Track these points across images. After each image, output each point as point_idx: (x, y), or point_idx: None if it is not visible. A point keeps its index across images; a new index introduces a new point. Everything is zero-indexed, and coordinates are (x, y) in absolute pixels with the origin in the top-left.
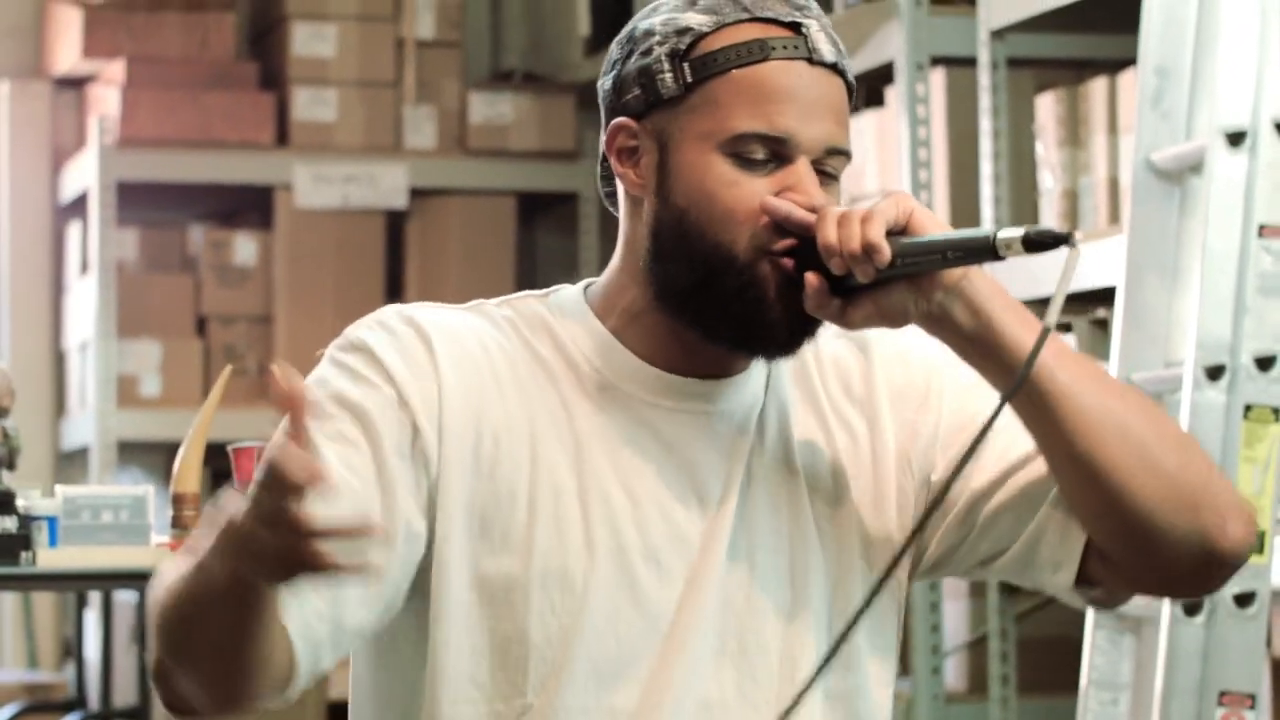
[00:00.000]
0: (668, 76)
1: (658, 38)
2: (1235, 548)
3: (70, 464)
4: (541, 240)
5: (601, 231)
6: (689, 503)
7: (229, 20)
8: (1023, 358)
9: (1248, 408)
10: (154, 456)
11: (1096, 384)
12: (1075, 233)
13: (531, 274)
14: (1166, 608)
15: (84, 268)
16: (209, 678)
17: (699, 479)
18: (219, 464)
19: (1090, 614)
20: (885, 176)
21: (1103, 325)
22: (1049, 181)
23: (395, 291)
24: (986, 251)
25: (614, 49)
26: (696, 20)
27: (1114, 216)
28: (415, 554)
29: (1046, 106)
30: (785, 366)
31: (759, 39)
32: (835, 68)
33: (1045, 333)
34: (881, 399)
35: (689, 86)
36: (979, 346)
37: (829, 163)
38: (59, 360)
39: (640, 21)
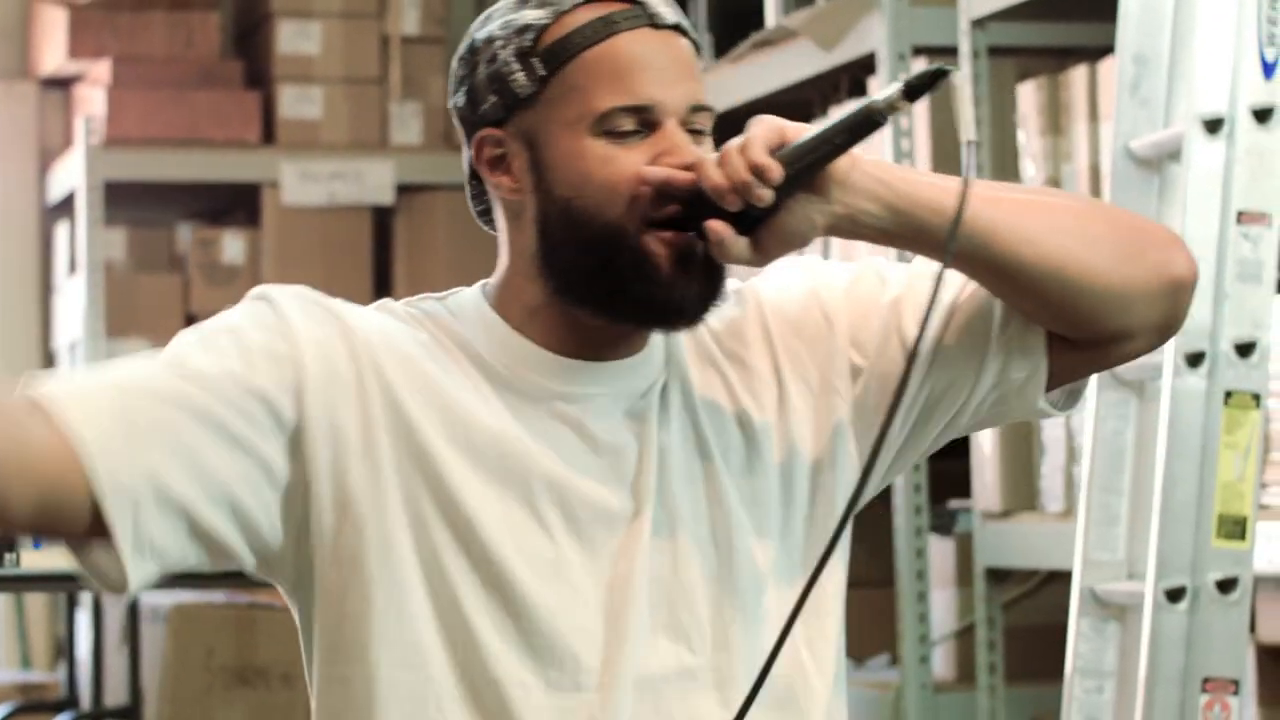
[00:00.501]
0: (520, 75)
1: (500, 42)
2: (1187, 268)
3: None
4: None
5: None
6: (609, 483)
7: (214, 19)
8: (943, 213)
9: (1228, 394)
10: None
11: (1009, 202)
12: (944, 68)
13: None
14: (1149, 593)
15: (72, 267)
16: None
17: (615, 460)
18: None
19: (1075, 602)
20: None
21: None
22: (1031, 170)
23: (384, 288)
24: (871, 120)
25: (457, 66)
26: (533, 16)
27: None
28: (267, 480)
29: (1028, 95)
30: (680, 338)
31: (600, 16)
32: (678, 28)
33: (973, 149)
34: (777, 336)
35: (543, 80)
36: (897, 224)
37: (695, 120)
38: (48, 360)
39: (476, 33)
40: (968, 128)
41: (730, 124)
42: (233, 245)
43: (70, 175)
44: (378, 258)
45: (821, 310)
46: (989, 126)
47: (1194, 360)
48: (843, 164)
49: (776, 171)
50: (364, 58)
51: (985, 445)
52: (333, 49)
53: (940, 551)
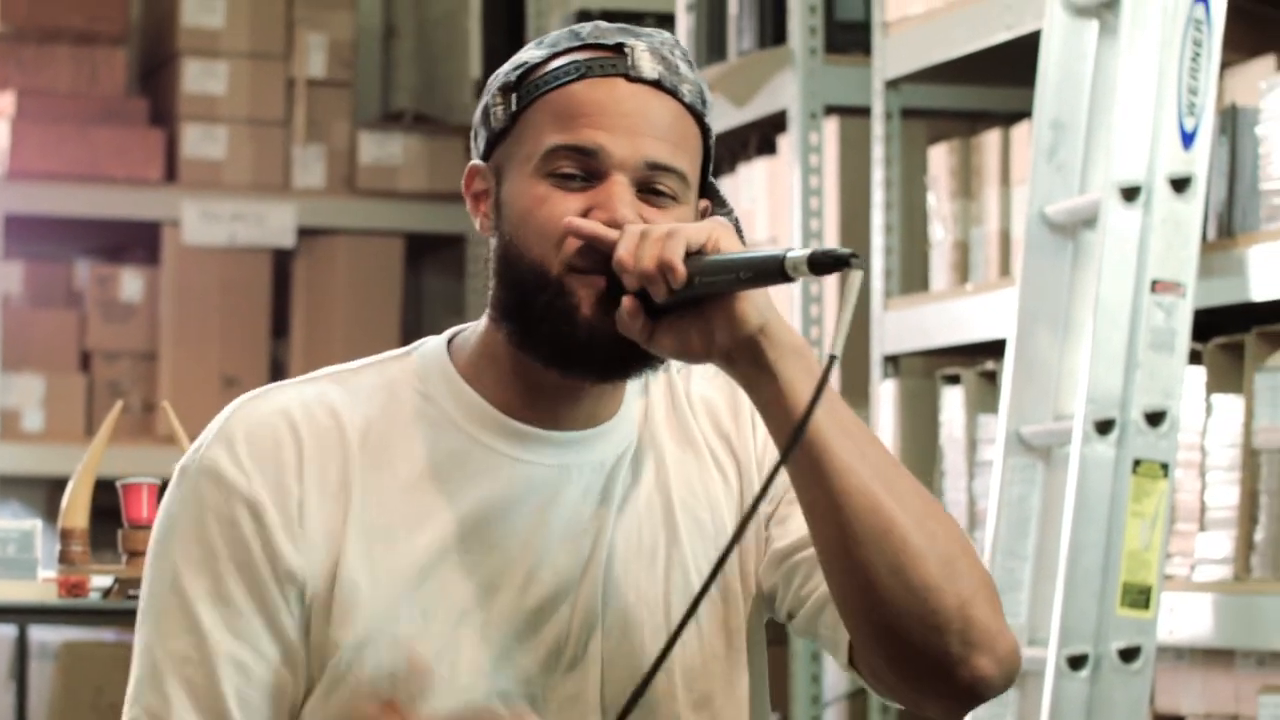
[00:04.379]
0: (499, 109)
1: (497, 79)
2: (974, 683)
3: None
4: (428, 281)
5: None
6: (557, 565)
7: (119, 55)
8: (801, 412)
9: (1137, 462)
10: (35, 491)
11: (873, 472)
12: (856, 255)
13: (418, 315)
14: (1051, 660)
15: None
16: None
17: (566, 537)
18: (105, 500)
19: None
20: (776, 225)
21: (991, 377)
22: (940, 233)
23: (281, 330)
24: (777, 272)
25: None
26: (531, 55)
27: (1005, 269)
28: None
29: (939, 158)
30: (660, 410)
31: (576, 60)
32: (660, 85)
33: (830, 364)
34: (749, 441)
35: (514, 116)
36: (763, 394)
37: (659, 181)
38: None
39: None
40: (838, 342)
41: None
42: (131, 283)
43: None
44: (276, 300)
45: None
46: (899, 188)
47: (1103, 428)
48: (752, 319)
49: (680, 275)
50: (269, 99)
51: None
52: (238, 89)
53: None
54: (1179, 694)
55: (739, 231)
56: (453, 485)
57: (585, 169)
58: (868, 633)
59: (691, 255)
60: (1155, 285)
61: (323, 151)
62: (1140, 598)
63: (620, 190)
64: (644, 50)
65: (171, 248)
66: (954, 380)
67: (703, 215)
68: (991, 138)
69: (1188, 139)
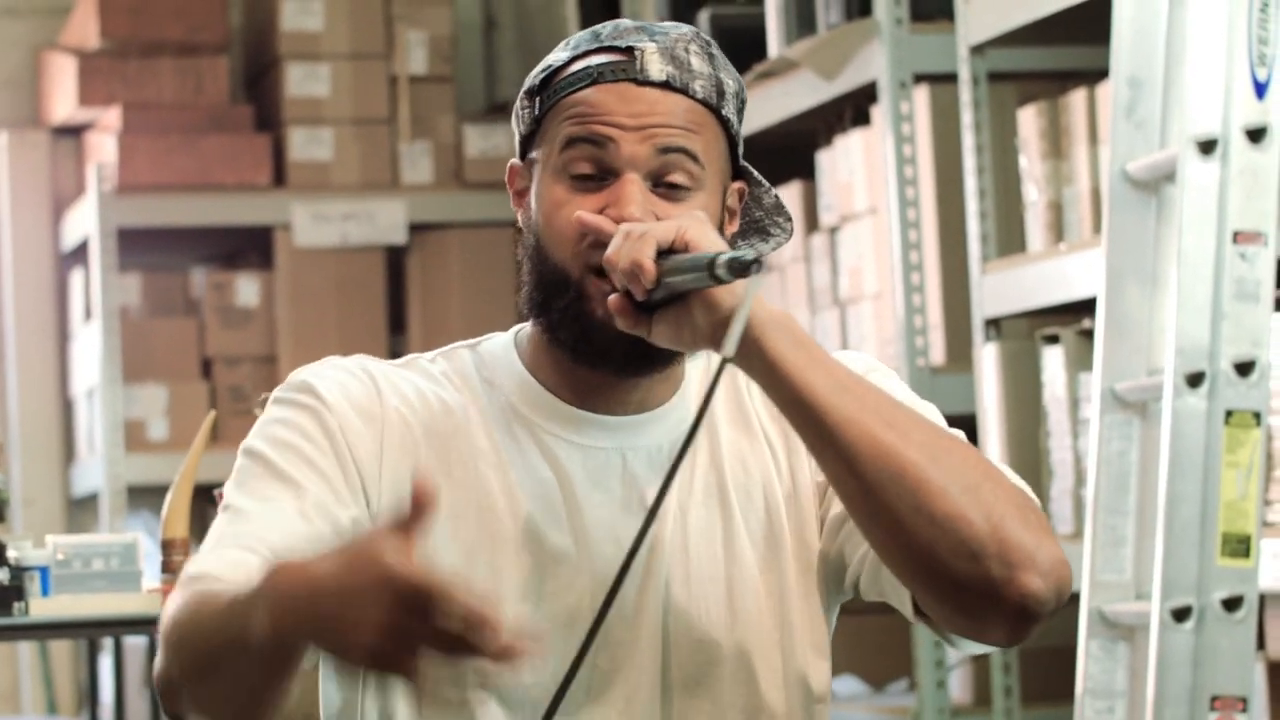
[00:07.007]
0: (525, 113)
1: (528, 81)
2: (1023, 601)
3: (81, 510)
4: None
5: None
6: (620, 546)
7: (222, 64)
8: (801, 385)
9: (1229, 413)
10: (163, 501)
11: (875, 419)
12: (759, 261)
13: None
14: (1155, 613)
15: (88, 314)
16: (225, 715)
17: (627, 519)
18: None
19: (1084, 623)
20: (874, 194)
21: (1090, 335)
22: (1033, 194)
23: (398, 327)
24: (711, 275)
25: None
26: (556, 57)
27: (1098, 227)
28: None
29: (1028, 120)
30: (719, 391)
31: (589, 65)
32: (668, 85)
33: (721, 367)
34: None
35: (538, 120)
36: (755, 371)
37: (673, 170)
38: (66, 407)
39: None
40: (729, 343)
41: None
42: (247, 288)
43: (83, 222)
44: (392, 297)
45: None
46: (991, 152)
47: (1194, 380)
48: (729, 300)
49: (650, 276)
50: (373, 98)
51: None
52: (341, 90)
53: None
54: None
55: (778, 211)
56: (514, 467)
57: (600, 166)
58: (911, 575)
59: (663, 254)
60: (1236, 236)
61: (429, 147)
62: (1240, 547)
63: (631, 189)
64: (654, 52)
65: (284, 251)
66: (1054, 340)
67: (739, 196)
68: (1078, 97)
69: (1260, 89)
